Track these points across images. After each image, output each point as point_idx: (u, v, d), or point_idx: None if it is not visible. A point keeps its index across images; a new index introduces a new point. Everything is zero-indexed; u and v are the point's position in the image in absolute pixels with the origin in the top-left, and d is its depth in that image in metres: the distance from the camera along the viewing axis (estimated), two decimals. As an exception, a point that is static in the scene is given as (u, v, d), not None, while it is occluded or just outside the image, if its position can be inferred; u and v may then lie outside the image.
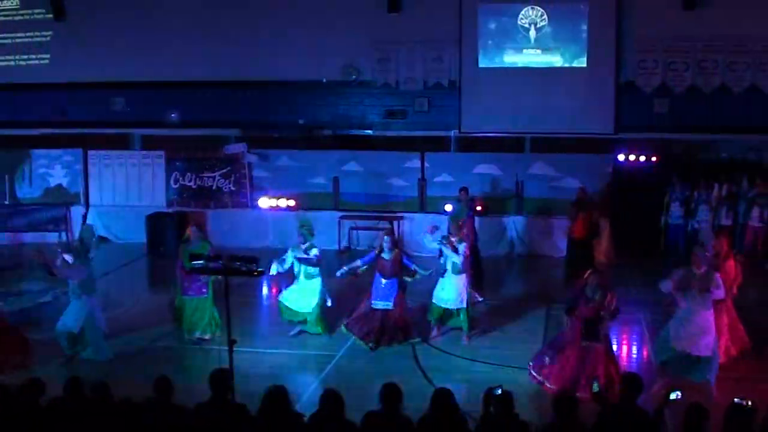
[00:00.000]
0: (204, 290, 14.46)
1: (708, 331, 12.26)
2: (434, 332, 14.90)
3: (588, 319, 11.91)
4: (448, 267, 14.63)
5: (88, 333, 13.69)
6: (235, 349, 9.81)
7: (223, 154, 23.48)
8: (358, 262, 14.68)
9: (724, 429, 7.68)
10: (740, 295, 14.08)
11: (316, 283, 14.67)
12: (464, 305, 14.61)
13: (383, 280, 14.36)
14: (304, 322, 14.79)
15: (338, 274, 14.80)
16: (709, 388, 12.08)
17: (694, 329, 12.23)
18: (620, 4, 22.10)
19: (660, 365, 12.72)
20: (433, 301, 14.79)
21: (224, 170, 23.40)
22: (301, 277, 14.64)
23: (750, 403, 7.79)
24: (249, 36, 23.30)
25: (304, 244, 14.58)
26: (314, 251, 14.55)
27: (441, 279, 14.77)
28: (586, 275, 12.16)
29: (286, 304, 14.70)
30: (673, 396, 8.26)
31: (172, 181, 23.73)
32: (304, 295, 14.62)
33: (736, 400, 7.84)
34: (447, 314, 14.92)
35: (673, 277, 12.52)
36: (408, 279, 14.62)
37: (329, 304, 14.89)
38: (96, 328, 13.78)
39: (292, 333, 14.79)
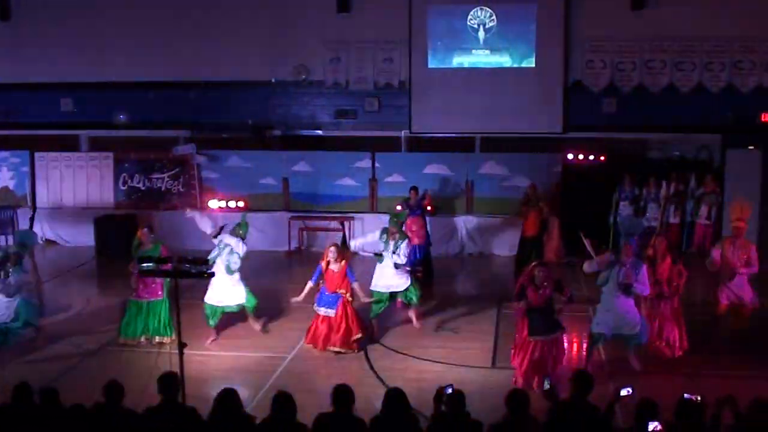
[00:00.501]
0: (159, 293, 14.37)
1: (631, 311, 12.71)
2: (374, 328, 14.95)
3: (536, 309, 11.97)
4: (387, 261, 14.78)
5: (24, 311, 13.77)
6: (185, 351, 9.75)
7: (172, 155, 23.32)
8: (310, 284, 14.44)
9: (675, 424, 7.77)
10: (686, 293, 14.30)
11: (237, 276, 14.54)
12: (410, 283, 14.85)
13: (327, 292, 14.28)
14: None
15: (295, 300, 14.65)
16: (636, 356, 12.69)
17: (618, 313, 12.65)
18: (568, 4, 22.27)
19: (590, 350, 13.13)
20: (373, 288, 14.86)
21: (173, 171, 23.25)
22: (222, 271, 14.29)
23: (699, 398, 7.90)
24: (198, 36, 23.17)
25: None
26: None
27: (379, 267, 14.89)
28: (531, 266, 12.25)
29: (214, 304, 14.50)
30: (623, 392, 8.34)
31: (120, 183, 23.53)
32: (230, 289, 14.46)
33: (686, 395, 7.95)
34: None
35: (597, 259, 12.87)
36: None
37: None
38: (30, 303, 13.91)
39: (209, 341, 14.56)
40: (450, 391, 8.21)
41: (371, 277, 15.05)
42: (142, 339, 14.39)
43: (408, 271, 15.04)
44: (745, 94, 21.88)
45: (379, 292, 14.86)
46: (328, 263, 14.23)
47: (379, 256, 14.97)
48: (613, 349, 13.61)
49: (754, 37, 21.69)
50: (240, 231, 14.64)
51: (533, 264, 12.41)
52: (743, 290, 14.12)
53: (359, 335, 14.20)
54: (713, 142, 22.40)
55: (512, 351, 12.49)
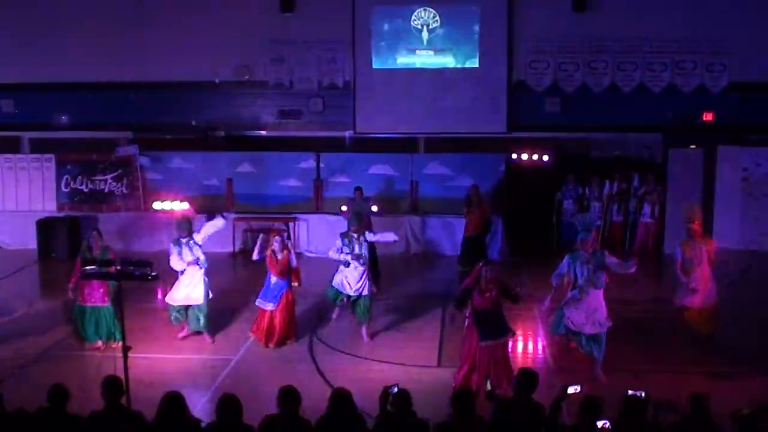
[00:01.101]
0: (106, 299, 14.21)
1: (600, 307, 12.75)
2: (335, 313, 15.07)
3: (483, 312, 11.93)
4: (355, 259, 14.56)
5: None
6: (130, 355, 9.68)
7: (115, 156, 23.11)
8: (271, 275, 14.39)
9: (619, 419, 7.85)
10: (629, 290, 14.49)
11: (201, 273, 14.44)
12: (367, 293, 14.68)
13: (273, 279, 14.30)
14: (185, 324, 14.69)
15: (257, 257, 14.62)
16: (598, 369, 12.60)
17: (588, 308, 12.68)
18: (511, 5, 22.45)
19: (555, 335, 13.49)
20: (334, 284, 14.81)
21: (116, 173, 23.02)
22: (188, 267, 14.34)
23: (643, 394, 8.00)
24: (140, 36, 22.99)
25: (185, 237, 14.38)
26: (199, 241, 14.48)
27: (345, 269, 14.68)
28: (479, 267, 12.18)
29: (175, 303, 14.42)
30: (571, 389, 8.38)
31: (63, 185, 23.24)
32: (191, 286, 14.35)
33: (630, 391, 8.04)
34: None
35: (560, 271, 12.98)
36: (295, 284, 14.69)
37: (209, 296, 14.67)
38: None
39: (181, 335, 14.61)
40: (395, 390, 8.22)
41: (317, 278, 15.00)
42: (99, 343, 14.28)
43: (366, 267, 14.83)
44: (686, 94, 22.19)
45: (334, 288, 14.80)
46: (272, 252, 14.25)
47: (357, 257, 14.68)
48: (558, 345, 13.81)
49: (694, 38, 22.00)
50: (184, 225, 14.43)
51: (481, 264, 12.30)
52: (711, 290, 14.26)
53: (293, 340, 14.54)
54: (655, 142, 22.65)
55: (462, 361, 12.21)
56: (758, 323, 15.55)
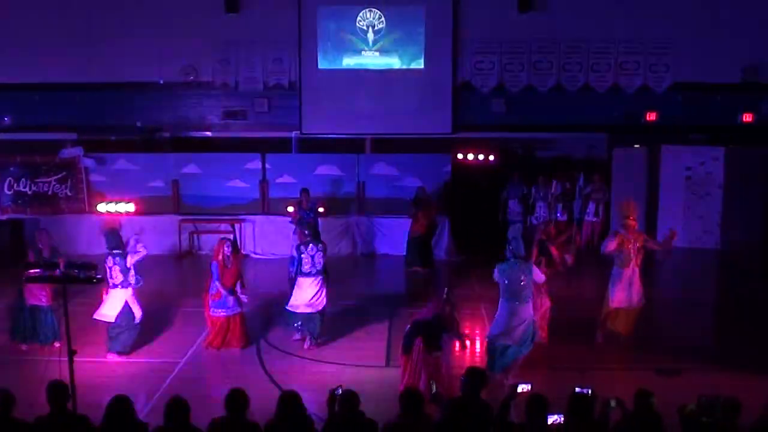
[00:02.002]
0: (44, 300, 14.00)
1: (524, 320, 12.59)
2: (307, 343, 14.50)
3: (433, 328, 11.87)
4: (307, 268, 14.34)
5: None
6: (75, 359, 9.58)
7: (59, 158, 22.84)
8: (217, 284, 14.02)
9: (567, 416, 7.90)
10: (575, 288, 14.63)
11: (130, 290, 13.98)
12: (321, 307, 14.45)
13: (225, 292, 14.07)
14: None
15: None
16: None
17: (515, 323, 12.49)
18: (456, 6, 22.55)
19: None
20: (292, 309, 14.41)
21: (60, 175, 22.71)
22: (118, 286, 13.74)
23: (590, 391, 8.07)
24: (84, 36, 22.78)
25: (117, 249, 13.82)
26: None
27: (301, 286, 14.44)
28: (445, 296, 12.12)
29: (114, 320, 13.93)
30: (521, 389, 8.41)
31: (5, 188, 22.88)
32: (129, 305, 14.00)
33: (577, 389, 8.10)
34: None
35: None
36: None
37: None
38: None
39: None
40: (340, 391, 8.21)
41: (263, 280, 14.90)
42: (24, 346, 14.13)
43: (323, 281, 14.67)
44: (630, 94, 22.43)
45: (294, 314, 14.38)
46: (224, 259, 14.06)
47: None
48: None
49: (638, 38, 22.27)
50: (113, 236, 14.09)
51: (446, 294, 12.19)
52: (635, 291, 14.23)
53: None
54: (600, 141, 22.90)
55: (411, 370, 11.90)
56: (703, 321, 15.76)
